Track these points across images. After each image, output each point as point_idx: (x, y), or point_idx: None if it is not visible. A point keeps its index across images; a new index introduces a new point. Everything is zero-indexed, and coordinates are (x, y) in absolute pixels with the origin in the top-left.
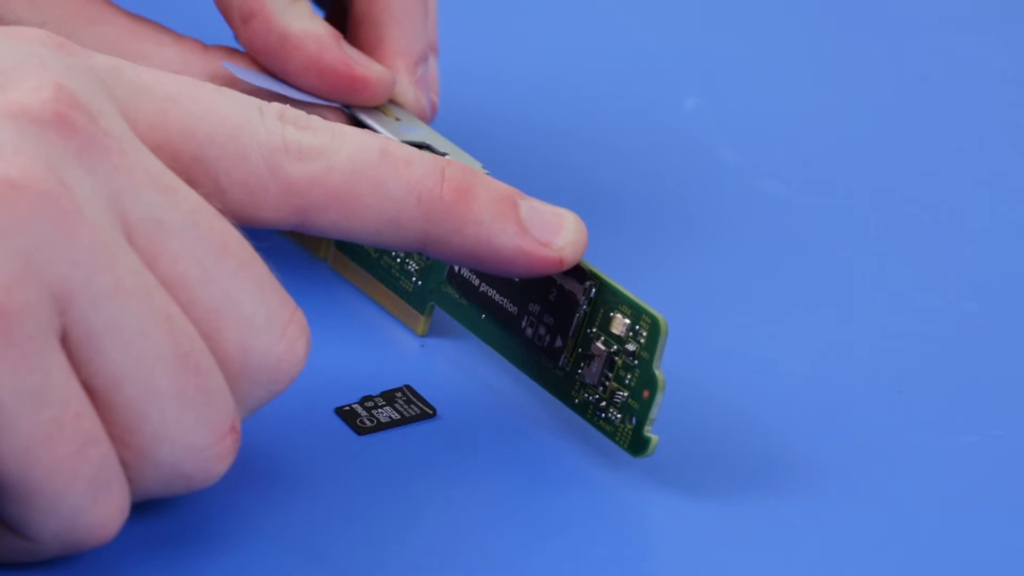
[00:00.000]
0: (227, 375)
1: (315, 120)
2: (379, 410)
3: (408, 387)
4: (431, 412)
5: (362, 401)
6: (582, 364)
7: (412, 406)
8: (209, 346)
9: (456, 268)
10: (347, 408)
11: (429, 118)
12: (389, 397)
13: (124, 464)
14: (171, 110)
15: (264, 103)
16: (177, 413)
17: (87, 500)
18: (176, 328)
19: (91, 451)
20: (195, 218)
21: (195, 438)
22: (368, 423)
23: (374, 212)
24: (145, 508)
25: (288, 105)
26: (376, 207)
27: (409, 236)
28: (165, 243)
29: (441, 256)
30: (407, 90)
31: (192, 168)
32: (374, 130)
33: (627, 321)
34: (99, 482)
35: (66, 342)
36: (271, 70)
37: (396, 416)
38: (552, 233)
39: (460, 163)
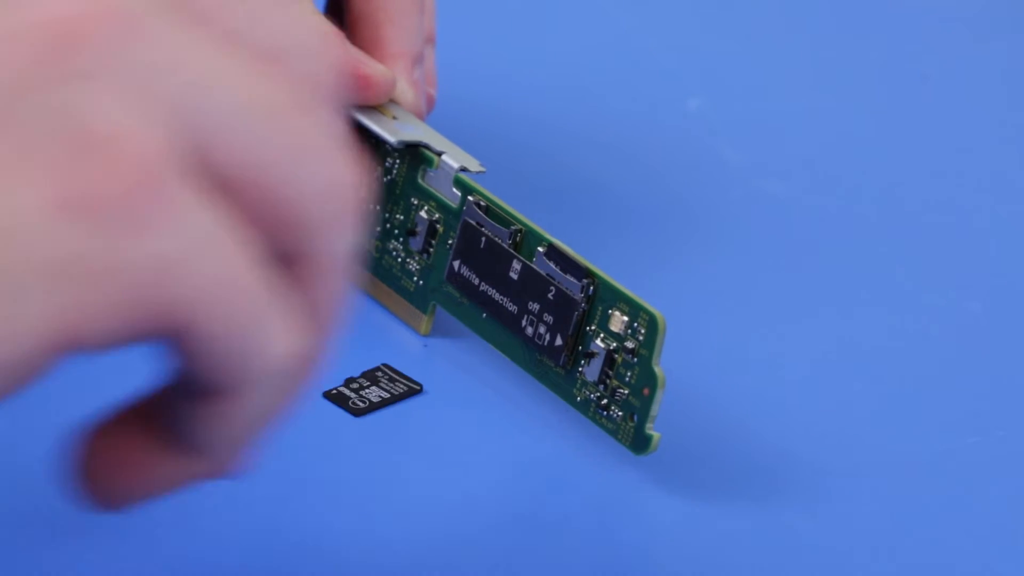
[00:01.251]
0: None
1: None
2: (366, 391)
3: (385, 365)
4: (417, 388)
5: (346, 383)
6: (582, 362)
7: (397, 384)
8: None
9: (456, 268)
10: (334, 392)
11: (426, 112)
12: (371, 377)
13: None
14: None
15: None
16: (305, 156)
17: (270, 323)
18: (261, 82)
19: (259, 273)
20: None
21: (327, 171)
22: (361, 404)
23: None
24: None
25: None
26: None
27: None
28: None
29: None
30: (405, 90)
31: None
32: (371, 128)
33: (625, 318)
34: (273, 301)
35: (189, 155)
36: None
37: (385, 395)
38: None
39: None
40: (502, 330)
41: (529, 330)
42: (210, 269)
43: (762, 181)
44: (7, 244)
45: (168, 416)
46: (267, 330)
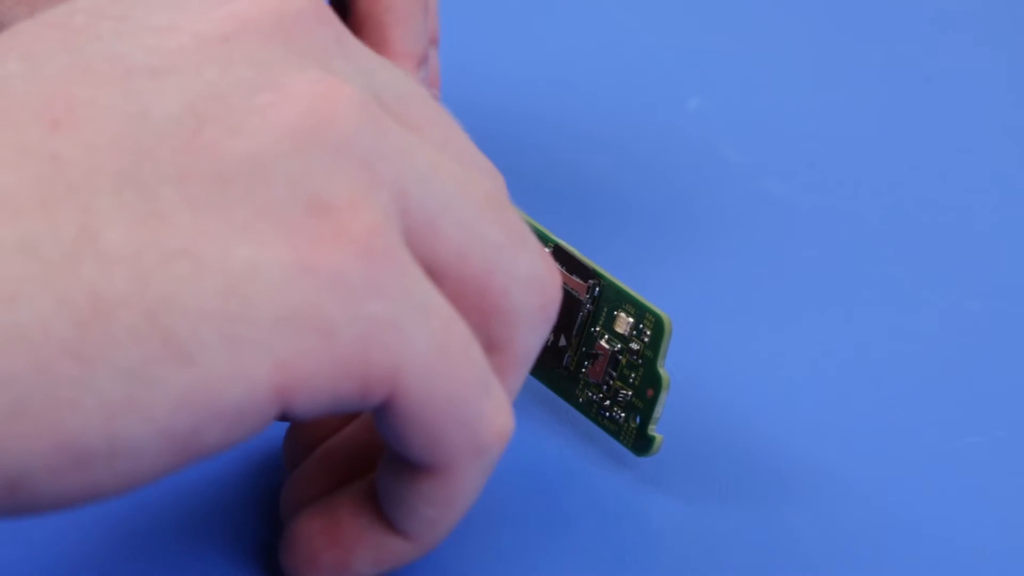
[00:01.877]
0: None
1: None
2: None
3: None
4: None
5: None
6: (586, 363)
7: None
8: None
9: None
10: None
11: None
12: None
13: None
14: None
15: None
16: (512, 251)
17: (484, 400)
18: (469, 178)
19: (474, 348)
20: (416, 87)
21: (529, 264)
22: None
23: None
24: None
25: None
26: None
27: None
28: (411, 111)
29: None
30: None
31: None
32: None
33: (631, 320)
34: (487, 377)
35: (412, 238)
36: None
37: None
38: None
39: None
40: None
41: None
42: (424, 336)
43: (762, 181)
44: (249, 290)
45: (380, 495)
46: (478, 406)
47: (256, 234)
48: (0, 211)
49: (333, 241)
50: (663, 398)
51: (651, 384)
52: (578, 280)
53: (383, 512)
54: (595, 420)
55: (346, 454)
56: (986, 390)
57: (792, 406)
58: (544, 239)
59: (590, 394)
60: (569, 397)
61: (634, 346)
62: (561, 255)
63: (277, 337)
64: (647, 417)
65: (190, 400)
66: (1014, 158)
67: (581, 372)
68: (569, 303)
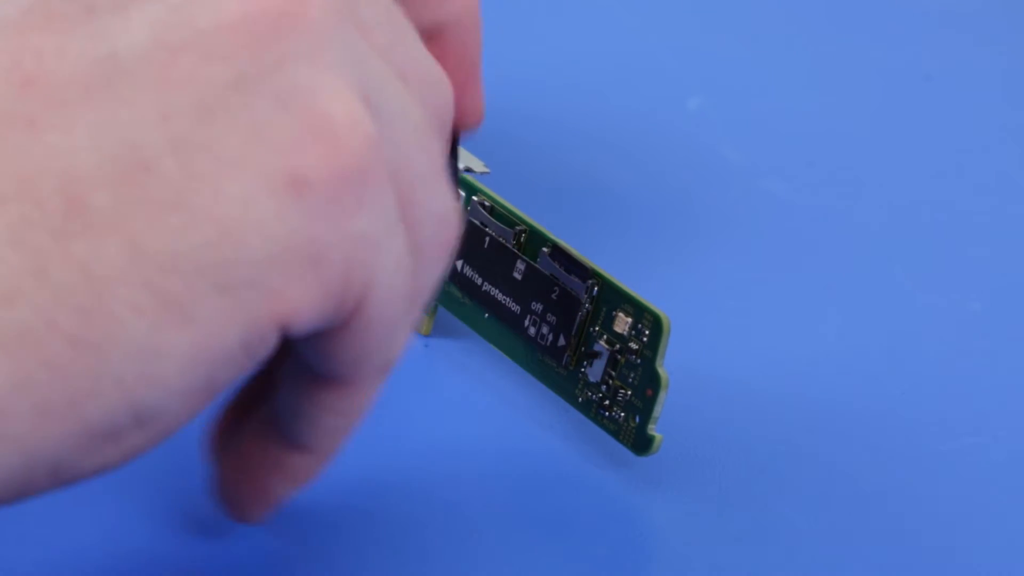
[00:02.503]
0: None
1: None
2: None
3: None
4: None
5: None
6: (585, 363)
7: None
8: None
9: (458, 267)
10: None
11: None
12: None
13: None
14: None
15: None
16: (433, 181)
17: (408, 316)
18: (411, 99)
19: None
20: None
21: (443, 199)
22: None
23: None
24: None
25: None
26: None
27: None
28: (366, 15)
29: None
30: None
31: None
32: None
33: (630, 319)
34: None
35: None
36: None
37: None
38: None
39: None
40: (504, 330)
41: (532, 330)
42: (392, 253)
43: (763, 181)
44: (242, 231)
45: (273, 413)
46: (408, 324)
47: (246, 163)
48: None
49: (329, 153)
50: (662, 397)
51: (650, 384)
52: (576, 280)
53: (283, 432)
54: (595, 420)
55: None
56: (986, 390)
57: (792, 406)
58: (543, 239)
59: (589, 394)
60: (568, 397)
61: (633, 346)
62: (560, 255)
63: (271, 272)
64: (647, 417)
65: (198, 356)
66: (1014, 158)
67: (580, 372)
68: (568, 303)
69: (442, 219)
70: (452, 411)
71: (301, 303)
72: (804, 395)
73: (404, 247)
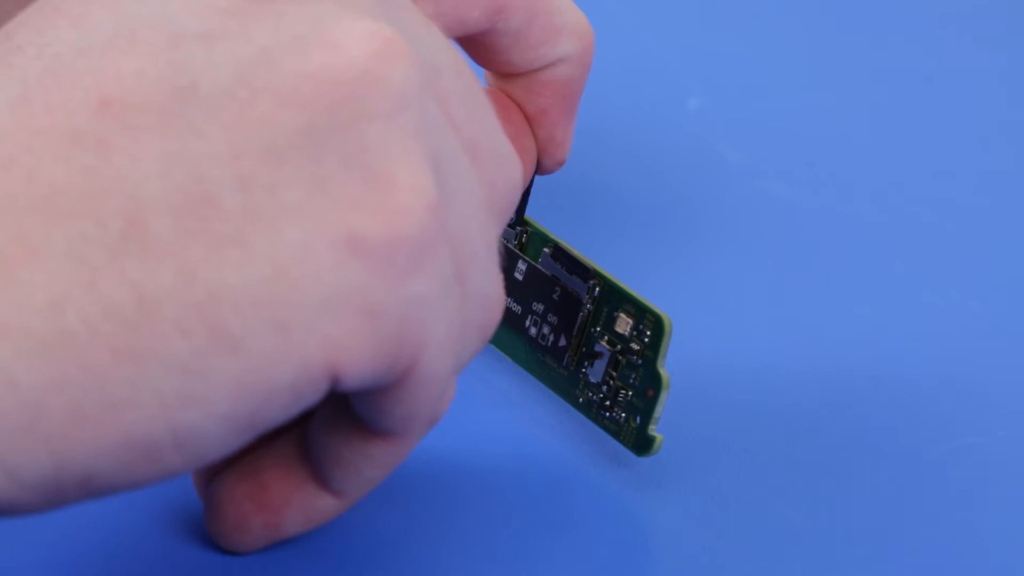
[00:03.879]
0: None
1: None
2: None
3: None
4: None
5: None
6: (586, 363)
7: None
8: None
9: None
10: None
11: None
12: None
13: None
14: None
15: None
16: (485, 262)
17: (452, 378)
18: (476, 177)
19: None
20: (454, 55)
21: (491, 282)
22: None
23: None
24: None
25: None
26: None
27: (560, 49)
28: (440, 84)
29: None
30: None
31: None
32: None
33: (631, 320)
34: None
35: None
36: None
37: None
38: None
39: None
40: (505, 330)
41: (533, 330)
42: (447, 317)
43: (762, 181)
44: (298, 274)
45: (314, 456)
46: (451, 386)
47: (307, 213)
48: (50, 210)
49: (389, 218)
50: (663, 398)
51: (651, 384)
52: (578, 280)
53: (314, 472)
54: (595, 420)
55: None
56: (986, 390)
57: (792, 406)
58: (544, 239)
59: (590, 394)
60: (569, 397)
61: (634, 346)
62: (561, 255)
63: (325, 319)
64: (647, 417)
65: (244, 386)
66: (1014, 158)
67: (581, 372)
68: (569, 303)
69: (489, 301)
70: (452, 411)
71: (354, 353)
72: (804, 395)
73: (458, 312)
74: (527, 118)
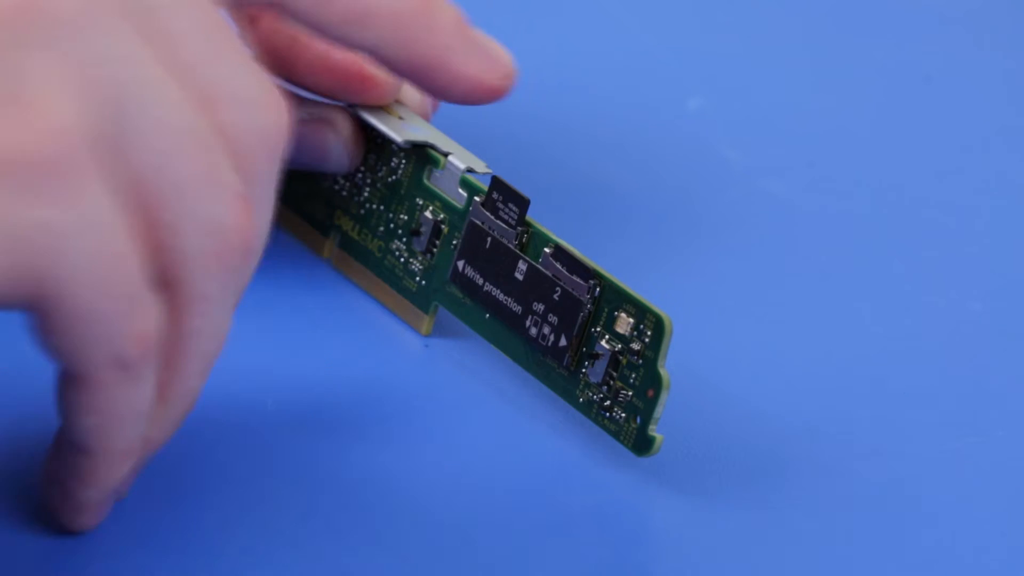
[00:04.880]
0: (230, 149)
1: None
2: None
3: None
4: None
5: None
6: (586, 363)
7: None
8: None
9: (459, 267)
10: None
11: (434, 109)
12: None
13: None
14: None
15: None
16: (199, 190)
17: (129, 316)
18: (188, 109)
19: (126, 265)
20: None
21: (214, 210)
22: None
23: (346, 3)
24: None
25: None
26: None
27: (370, 36)
28: (170, 25)
29: (389, 64)
30: (411, 91)
31: None
32: (377, 128)
33: (631, 320)
34: (136, 293)
35: (103, 148)
36: (280, 70)
37: None
38: (495, 63)
39: None
40: (505, 331)
41: (533, 331)
42: (90, 251)
43: (762, 181)
44: None
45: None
46: (122, 322)
47: None
48: None
49: (19, 141)
50: (664, 398)
51: (652, 384)
52: (578, 280)
53: (66, 436)
54: (596, 420)
55: None
56: (986, 390)
57: (792, 406)
58: (544, 239)
59: (591, 394)
60: (569, 397)
61: (635, 346)
62: (561, 255)
63: None
64: (648, 417)
65: None
66: (1014, 158)
67: (581, 372)
68: (570, 303)
69: (213, 228)
70: (452, 411)
71: None
72: (804, 395)
73: (114, 247)
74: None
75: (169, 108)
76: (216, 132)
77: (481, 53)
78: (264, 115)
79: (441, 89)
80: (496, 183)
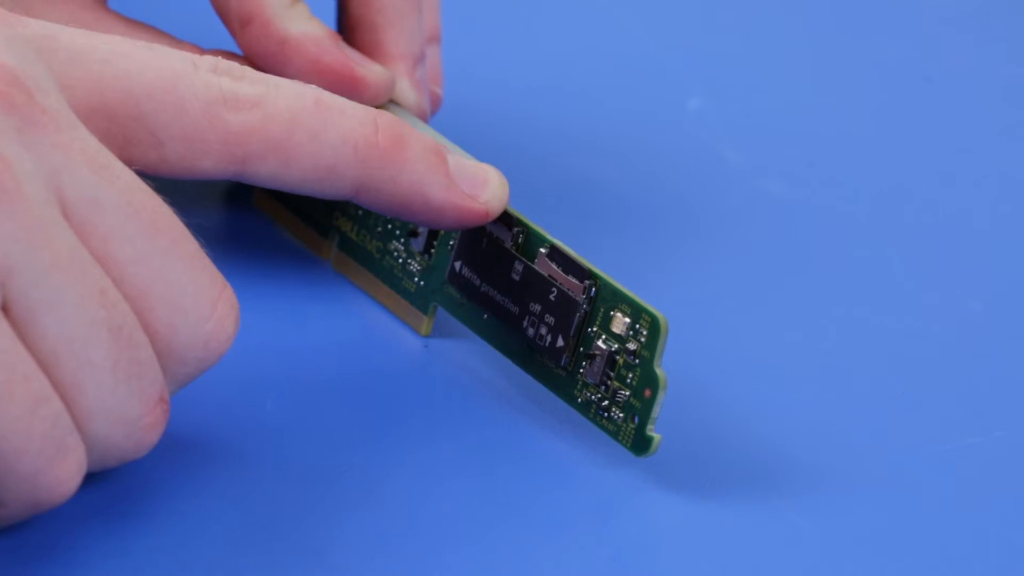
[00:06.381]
0: (157, 350)
1: (249, 71)
2: None
3: None
4: None
5: None
6: (584, 363)
7: None
8: (140, 321)
9: (457, 268)
10: None
11: (433, 110)
12: None
13: None
14: (107, 72)
15: (197, 56)
16: (110, 385)
17: (45, 458)
18: (109, 303)
19: (43, 410)
20: (128, 197)
21: (127, 409)
22: None
23: (311, 160)
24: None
25: (221, 57)
26: (313, 155)
27: (344, 184)
28: (99, 221)
29: (372, 205)
30: (407, 92)
31: (130, 126)
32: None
33: (627, 320)
34: (54, 440)
35: (8, 314)
36: (271, 73)
37: None
38: (478, 187)
39: (391, 114)
40: (503, 331)
41: (530, 331)
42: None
43: (762, 181)
44: None
45: None
46: (30, 462)
47: None
48: None
49: None
50: (661, 398)
51: (648, 384)
52: (575, 281)
53: None
54: (593, 420)
55: None
56: (986, 390)
57: (791, 406)
58: (541, 239)
59: (588, 394)
60: (567, 397)
61: (631, 346)
62: (557, 255)
63: None
64: (645, 417)
65: None
66: (1014, 158)
67: (579, 372)
68: (566, 304)
69: (122, 422)
70: (451, 411)
71: None
72: (803, 395)
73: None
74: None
75: (79, 299)
76: (141, 331)
77: (462, 178)
78: (200, 324)
79: (429, 222)
80: None
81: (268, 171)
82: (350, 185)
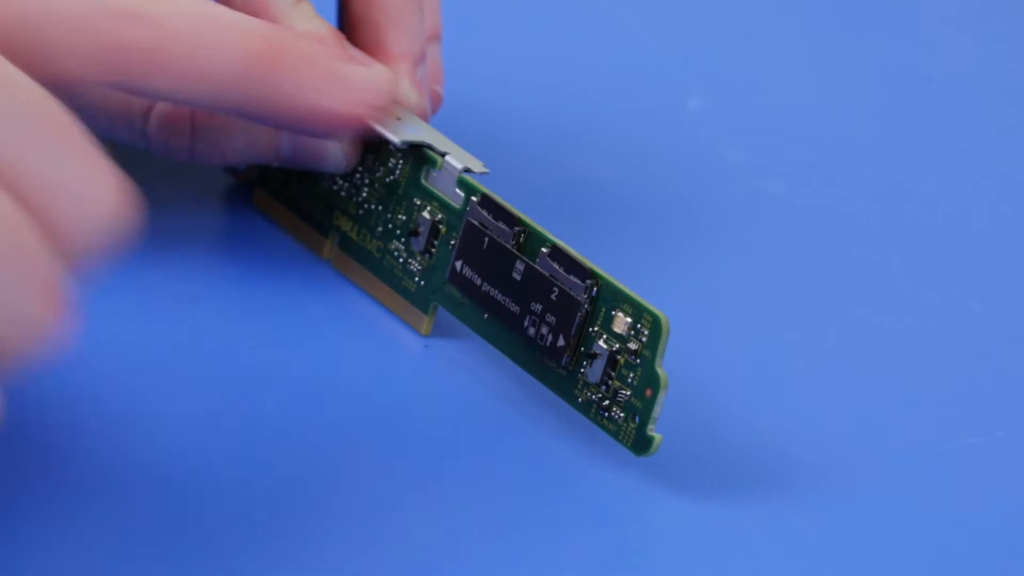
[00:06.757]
0: (49, 235)
1: None
2: None
3: None
4: None
5: None
6: (584, 363)
7: None
8: (26, 207)
9: (457, 267)
10: None
11: (434, 109)
12: None
13: None
14: None
15: None
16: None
17: None
18: None
19: None
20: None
21: (18, 299)
22: None
23: (193, 71)
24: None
25: None
26: (195, 66)
27: (229, 98)
28: None
29: (260, 117)
30: (408, 91)
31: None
32: (375, 128)
33: (629, 320)
34: None
35: None
36: None
37: None
38: (360, 90)
39: (271, 24)
40: (504, 331)
41: (531, 331)
42: None
43: (762, 181)
44: None
45: None
46: None
47: None
48: None
49: None
50: (662, 398)
51: (650, 384)
52: (576, 280)
53: None
54: (594, 420)
55: None
56: (986, 390)
57: (792, 406)
58: (542, 239)
59: (589, 394)
60: (568, 397)
61: (632, 346)
62: (559, 255)
63: None
64: (646, 417)
65: None
66: (1014, 158)
67: (580, 372)
68: (567, 303)
69: (14, 318)
70: (451, 411)
71: None
72: (804, 395)
73: None
74: None
75: None
76: (29, 220)
77: (341, 82)
78: (85, 206)
79: (300, 129)
80: (485, 200)
81: (151, 86)
82: (235, 99)
